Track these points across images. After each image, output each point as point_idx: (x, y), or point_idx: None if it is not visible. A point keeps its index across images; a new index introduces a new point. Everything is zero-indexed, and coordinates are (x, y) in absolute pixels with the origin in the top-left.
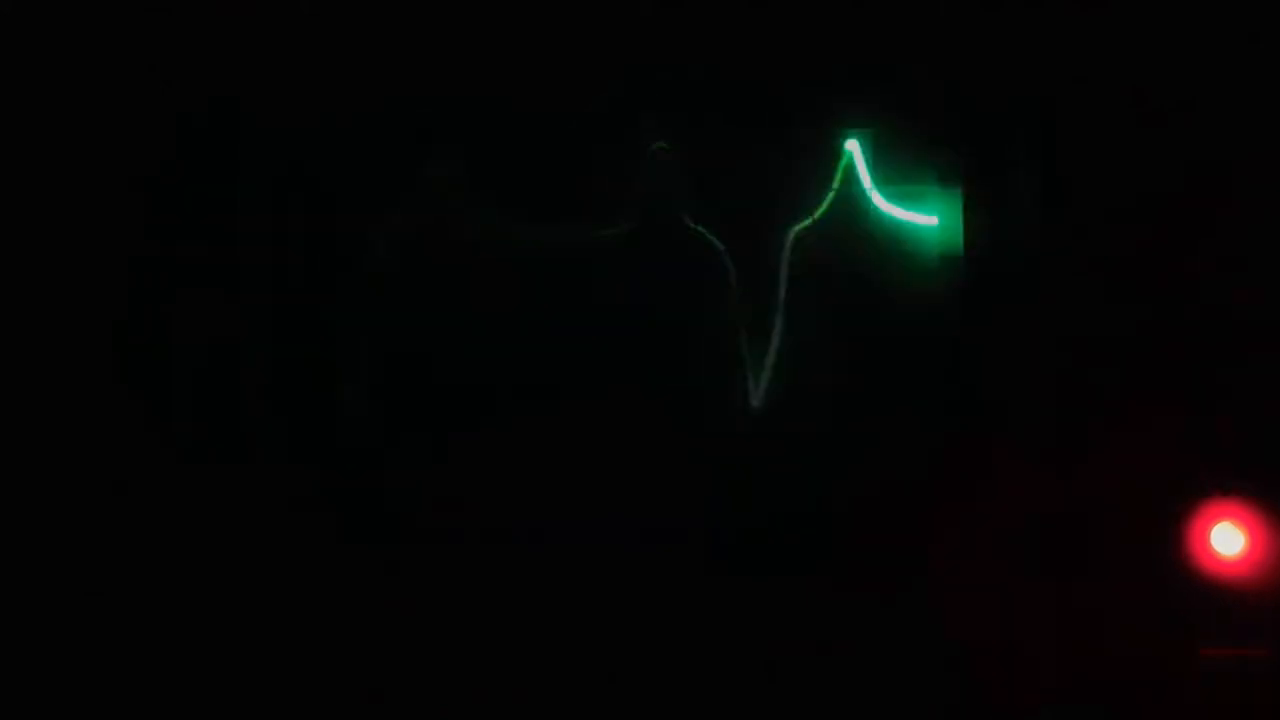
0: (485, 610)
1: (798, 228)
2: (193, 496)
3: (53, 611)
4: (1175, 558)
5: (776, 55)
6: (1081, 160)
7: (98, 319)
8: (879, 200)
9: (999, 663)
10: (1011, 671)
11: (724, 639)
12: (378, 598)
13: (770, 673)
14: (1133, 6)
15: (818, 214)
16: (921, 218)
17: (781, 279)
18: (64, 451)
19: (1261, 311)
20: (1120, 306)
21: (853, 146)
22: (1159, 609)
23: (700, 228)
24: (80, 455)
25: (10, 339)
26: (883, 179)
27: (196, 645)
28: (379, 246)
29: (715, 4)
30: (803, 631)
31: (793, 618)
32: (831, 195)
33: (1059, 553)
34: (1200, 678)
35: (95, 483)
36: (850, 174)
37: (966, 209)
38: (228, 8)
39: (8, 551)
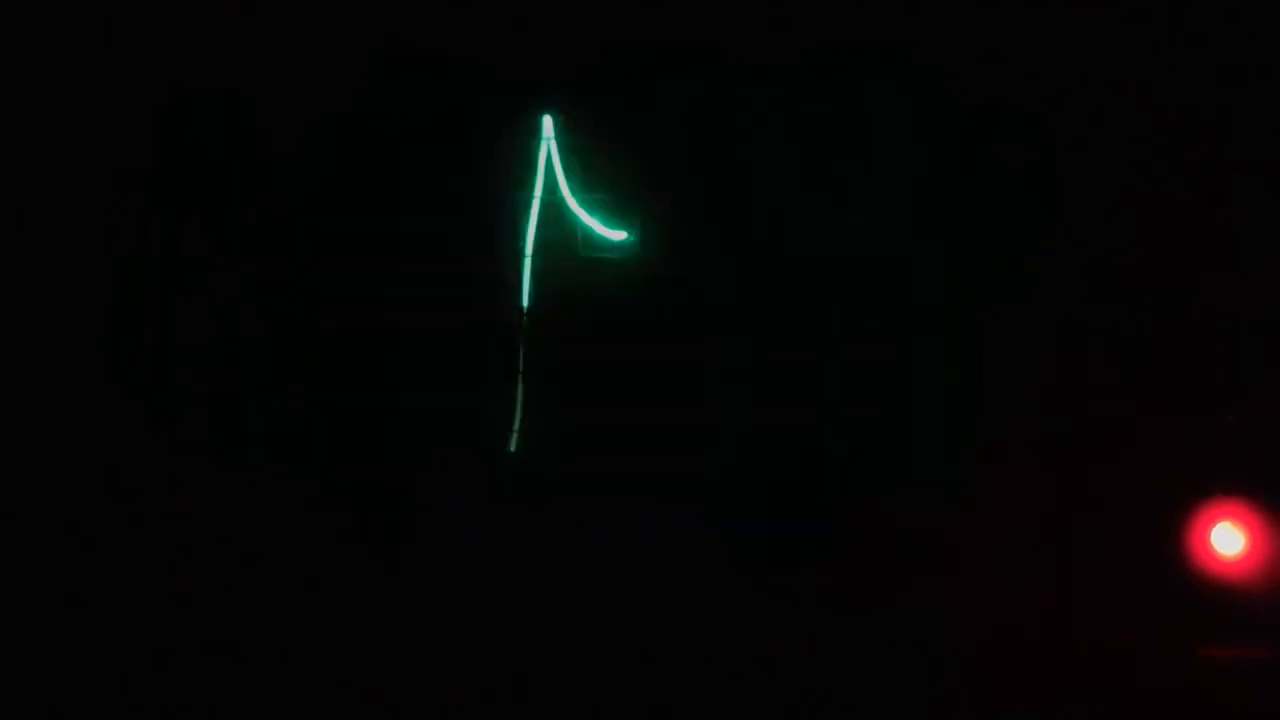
0: (484, 612)
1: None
2: (192, 496)
3: (52, 613)
4: (1175, 558)
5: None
6: (1081, 160)
7: (94, 317)
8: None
9: (999, 663)
10: (1011, 671)
11: (722, 638)
12: (380, 600)
13: (770, 673)
14: (1133, 6)
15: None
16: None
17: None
18: (61, 452)
19: (1261, 311)
20: (1120, 306)
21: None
22: (1159, 609)
23: None
24: (77, 456)
25: (8, 338)
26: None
27: (196, 647)
28: (380, 243)
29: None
30: (802, 631)
31: (792, 618)
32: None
33: (1059, 553)
34: (1200, 678)
35: (93, 483)
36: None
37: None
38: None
39: (6, 553)
